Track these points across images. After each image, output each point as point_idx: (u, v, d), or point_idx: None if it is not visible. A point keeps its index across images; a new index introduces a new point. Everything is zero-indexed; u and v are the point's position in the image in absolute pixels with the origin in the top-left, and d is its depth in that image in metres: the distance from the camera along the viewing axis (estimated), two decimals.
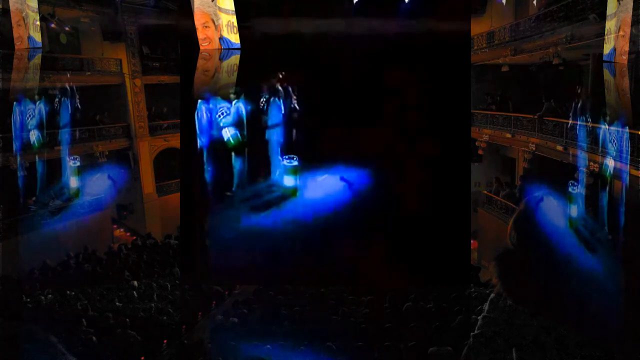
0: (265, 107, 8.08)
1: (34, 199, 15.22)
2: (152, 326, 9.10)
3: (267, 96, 8.08)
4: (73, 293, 10.87)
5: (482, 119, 16.37)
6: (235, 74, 9.25)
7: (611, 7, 9.50)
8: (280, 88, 8.12)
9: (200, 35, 9.68)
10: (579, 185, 10.32)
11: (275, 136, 8.07)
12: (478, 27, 16.15)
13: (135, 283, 11.47)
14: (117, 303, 10.20)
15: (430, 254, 6.89)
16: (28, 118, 14.39)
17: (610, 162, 9.63)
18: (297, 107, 8.10)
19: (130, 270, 12.57)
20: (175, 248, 14.45)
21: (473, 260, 14.56)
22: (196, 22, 9.60)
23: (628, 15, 8.96)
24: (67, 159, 15.43)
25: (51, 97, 15.23)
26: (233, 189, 7.89)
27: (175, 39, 17.53)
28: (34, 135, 14.58)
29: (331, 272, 7.11)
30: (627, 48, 9.11)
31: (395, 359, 7.37)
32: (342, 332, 8.26)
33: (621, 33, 9.14)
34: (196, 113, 7.71)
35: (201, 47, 9.71)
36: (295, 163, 7.71)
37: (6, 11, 13.72)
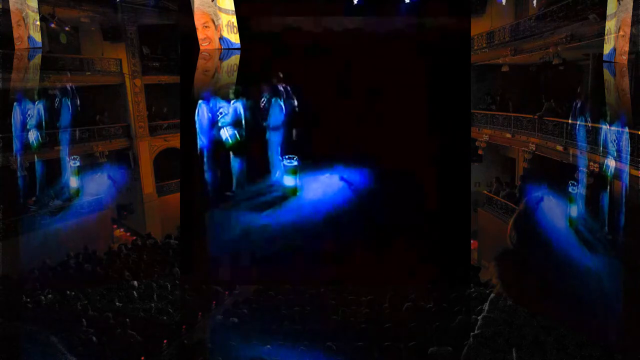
0: (265, 107, 8.08)
1: (34, 199, 15.21)
2: (152, 326, 9.09)
3: (267, 96, 8.07)
4: (73, 293, 10.84)
5: (482, 119, 16.37)
6: (235, 74, 9.24)
7: (611, 7, 9.49)
8: (280, 88, 8.12)
9: (200, 35, 9.69)
10: (579, 185, 10.31)
11: (275, 136, 8.07)
12: (478, 27, 16.14)
13: (135, 283, 11.45)
14: (117, 303, 10.19)
15: (430, 254, 6.89)
16: (28, 118, 14.39)
17: (610, 162, 9.63)
18: (297, 107, 8.10)
19: (130, 270, 12.55)
20: (175, 248, 14.44)
21: (473, 260, 14.56)
22: (196, 22, 9.61)
23: (628, 15, 8.95)
24: (67, 159, 15.41)
25: (51, 97, 15.22)
26: (233, 189, 7.89)
27: (175, 39, 17.53)
28: (33, 135, 14.58)
29: (331, 272, 7.11)
30: (627, 48, 9.10)
31: (395, 359, 7.38)
32: (342, 332, 8.26)
33: (621, 33, 9.14)
34: (196, 113, 7.71)
35: (201, 47, 9.72)
36: (295, 163, 7.70)
37: (6, 11, 13.71)
